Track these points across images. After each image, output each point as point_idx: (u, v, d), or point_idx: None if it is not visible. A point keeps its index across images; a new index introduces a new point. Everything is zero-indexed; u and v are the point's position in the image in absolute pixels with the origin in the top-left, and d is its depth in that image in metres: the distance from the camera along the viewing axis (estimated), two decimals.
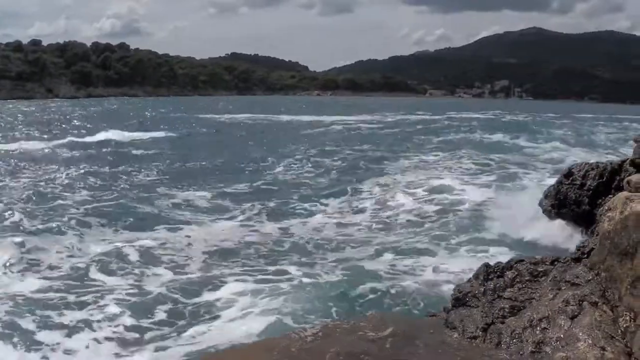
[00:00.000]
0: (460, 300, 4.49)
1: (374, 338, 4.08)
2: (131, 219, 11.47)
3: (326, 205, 13.37)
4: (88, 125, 36.61)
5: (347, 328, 4.33)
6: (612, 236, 3.56)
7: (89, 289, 7.54)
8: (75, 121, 41.67)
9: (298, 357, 3.80)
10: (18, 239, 9.42)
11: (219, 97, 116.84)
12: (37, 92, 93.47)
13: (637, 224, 3.35)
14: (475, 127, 41.75)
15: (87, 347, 5.93)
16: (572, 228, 9.67)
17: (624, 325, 3.28)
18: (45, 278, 7.94)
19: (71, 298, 7.20)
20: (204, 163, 20.47)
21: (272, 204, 13.24)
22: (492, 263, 4.83)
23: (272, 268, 8.51)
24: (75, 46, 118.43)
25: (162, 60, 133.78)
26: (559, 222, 10.01)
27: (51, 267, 8.45)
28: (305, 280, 7.81)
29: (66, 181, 15.47)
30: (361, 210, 12.85)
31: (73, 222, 11.10)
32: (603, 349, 3.20)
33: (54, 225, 10.75)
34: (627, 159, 8.48)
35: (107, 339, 6.13)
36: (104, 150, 23.51)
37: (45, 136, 28.62)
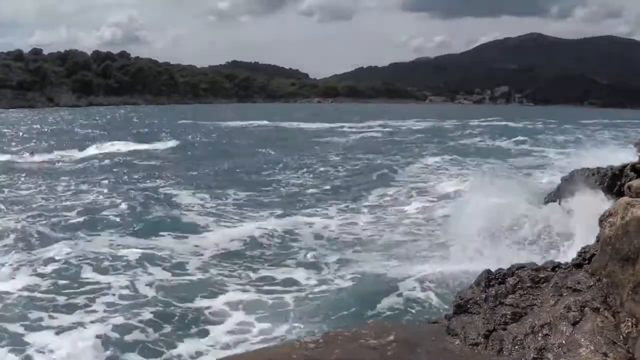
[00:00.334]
0: (461, 307, 4.49)
1: (376, 346, 4.07)
2: (132, 224, 11.53)
3: (332, 210, 13.36)
4: (92, 135, 36.65)
5: (349, 336, 4.32)
6: (614, 242, 3.55)
7: (81, 291, 7.55)
8: (77, 129, 41.77)
9: None
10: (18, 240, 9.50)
11: (219, 105, 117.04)
12: (38, 101, 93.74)
13: (638, 230, 3.34)
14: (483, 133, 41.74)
15: (74, 350, 5.89)
16: None
17: (626, 331, 3.27)
18: (37, 277, 7.98)
19: (62, 299, 7.22)
20: (213, 169, 20.51)
21: (278, 210, 13.26)
22: (493, 269, 4.83)
23: (273, 274, 8.52)
24: (76, 55, 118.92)
25: (163, 69, 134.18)
26: None
27: (44, 269, 8.48)
28: (308, 287, 7.81)
29: (67, 190, 15.49)
30: (366, 215, 12.84)
31: (68, 226, 11.18)
32: (605, 355, 3.19)
33: (50, 228, 10.83)
34: (628, 164, 8.50)
35: (97, 342, 6.09)
36: (107, 161, 23.47)
37: (48, 146, 28.62)
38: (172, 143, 31.26)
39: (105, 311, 6.96)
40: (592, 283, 3.77)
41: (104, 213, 12.50)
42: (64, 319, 6.68)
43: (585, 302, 3.63)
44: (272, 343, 5.69)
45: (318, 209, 13.60)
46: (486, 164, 22.27)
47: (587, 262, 4.02)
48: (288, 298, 7.39)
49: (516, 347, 3.74)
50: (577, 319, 3.55)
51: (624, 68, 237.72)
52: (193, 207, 13.67)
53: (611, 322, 3.40)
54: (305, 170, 21.19)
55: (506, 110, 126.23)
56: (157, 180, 17.56)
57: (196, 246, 9.96)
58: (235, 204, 14.12)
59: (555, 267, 4.37)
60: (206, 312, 7.03)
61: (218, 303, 7.32)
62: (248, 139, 36.96)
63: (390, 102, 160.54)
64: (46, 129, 42.76)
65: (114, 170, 20.29)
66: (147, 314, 6.89)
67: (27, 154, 24.54)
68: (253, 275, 8.47)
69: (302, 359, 3.89)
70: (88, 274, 8.29)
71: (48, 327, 6.47)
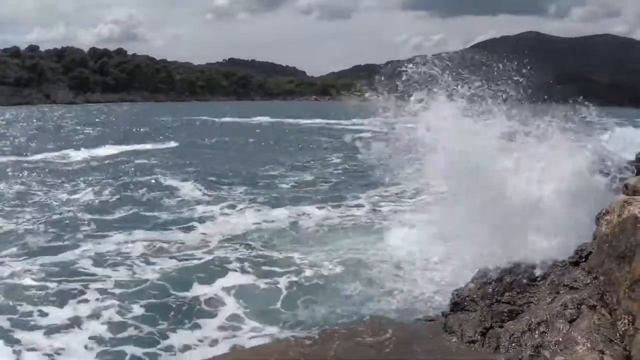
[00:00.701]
0: (458, 304, 4.49)
1: (373, 343, 4.07)
2: (134, 219, 11.54)
3: (332, 204, 13.31)
4: (90, 134, 36.55)
5: (346, 333, 4.32)
6: (610, 239, 3.56)
7: (76, 283, 7.56)
8: (76, 127, 41.64)
9: None
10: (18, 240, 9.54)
11: (216, 102, 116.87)
12: (35, 98, 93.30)
13: (634, 227, 3.35)
14: None
15: (66, 344, 5.89)
16: None
17: (623, 329, 3.28)
18: (30, 269, 8.00)
19: (53, 291, 7.22)
20: (214, 165, 20.48)
21: (279, 202, 13.27)
22: (490, 267, 4.83)
23: (272, 264, 8.56)
24: (72, 52, 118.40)
25: (160, 66, 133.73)
26: None
27: (42, 259, 8.50)
28: (302, 281, 7.80)
29: (69, 189, 15.44)
30: (364, 208, 12.78)
31: (67, 220, 11.19)
32: (602, 352, 3.20)
33: (50, 222, 10.84)
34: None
35: (93, 335, 6.10)
36: (108, 162, 23.37)
37: (46, 145, 28.50)
38: (171, 140, 31.16)
39: (100, 302, 6.97)
40: (588, 281, 3.78)
41: (103, 211, 12.49)
42: (57, 312, 6.69)
43: (582, 300, 3.64)
44: (268, 340, 5.67)
45: (319, 201, 13.55)
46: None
47: (583, 259, 4.03)
48: (281, 293, 7.40)
49: (513, 344, 3.75)
50: (574, 317, 3.56)
51: (622, 67, 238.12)
52: (192, 200, 13.72)
53: (608, 319, 3.41)
54: (305, 164, 21.22)
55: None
56: (158, 177, 17.53)
57: (197, 238, 10.01)
58: (236, 197, 14.13)
59: (552, 264, 4.38)
60: (202, 302, 7.08)
61: (214, 292, 7.36)
62: (247, 135, 36.90)
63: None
64: (44, 127, 42.62)
65: (110, 169, 20.25)
66: (144, 305, 6.91)
67: (25, 153, 24.47)
68: (252, 267, 8.50)
69: (298, 356, 3.89)
70: (84, 266, 8.32)
71: (40, 321, 6.47)
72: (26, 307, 6.76)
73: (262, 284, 7.80)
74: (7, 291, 7.20)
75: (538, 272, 4.44)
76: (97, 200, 13.63)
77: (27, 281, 7.61)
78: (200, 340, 6.10)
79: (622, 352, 3.19)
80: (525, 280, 4.38)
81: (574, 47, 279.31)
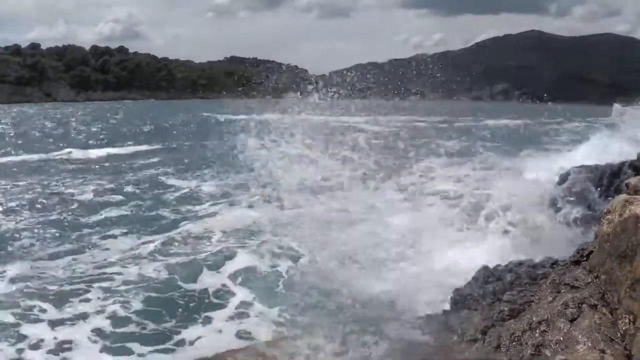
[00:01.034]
0: (459, 302, 4.50)
1: (373, 342, 4.08)
2: (136, 216, 11.61)
3: (335, 197, 13.25)
4: (90, 133, 36.52)
5: (346, 331, 4.32)
6: (612, 239, 3.56)
7: (81, 280, 7.57)
8: (78, 127, 41.61)
9: None
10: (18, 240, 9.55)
11: (218, 100, 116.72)
12: (36, 96, 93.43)
13: (636, 227, 3.35)
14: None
15: (71, 337, 5.91)
16: None
17: (624, 328, 3.28)
18: (36, 268, 8.01)
19: (57, 289, 7.24)
20: (214, 162, 20.52)
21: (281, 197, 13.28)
22: (491, 266, 4.83)
23: (275, 256, 8.60)
24: (74, 50, 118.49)
25: (161, 64, 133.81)
26: None
27: (47, 256, 8.55)
28: (303, 275, 7.79)
29: (63, 187, 15.44)
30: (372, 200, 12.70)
31: (71, 218, 11.24)
32: (602, 351, 3.20)
33: (54, 220, 10.88)
34: (626, 161, 8.49)
35: (96, 330, 6.11)
36: (107, 164, 23.34)
37: (47, 145, 28.46)
38: (171, 139, 31.21)
39: (103, 299, 6.99)
40: (589, 280, 3.77)
41: (102, 209, 12.49)
42: (62, 309, 6.70)
43: (583, 299, 3.63)
44: (266, 338, 5.67)
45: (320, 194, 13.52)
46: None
47: (585, 259, 4.02)
48: (282, 289, 7.43)
49: (514, 343, 3.75)
50: (575, 316, 3.55)
51: (624, 66, 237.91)
52: (195, 195, 13.82)
53: (609, 319, 3.41)
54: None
55: (508, 107, 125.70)
56: (159, 176, 17.57)
57: (202, 231, 10.07)
58: (238, 192, 14.17)
59: (553, 263, 4.38)
60: (210, 295, 7.13)
61: (208, 293, 7.38)
62: (248, 131, 36.81)
63: (387, 99, 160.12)
64: (46, 126, 42.60)
65: (109, 170, 20.25)
66: (154, 299, 6.93)
67: (25, 153, 24.47)
68: (255, 259, 8.53)
69: (297, 356, 3.90)
70: (89, 262, 8.34)
71: (45, 317, 6.49)
72: (30, 303, 6.79)
73: (265, 272, 7.92)
74: (12, 288, 7.22)
75: (539, 271, 4.44)
76: (99, 199, 13.66)
77: (32, 279, 7.64)
78: (212, 332, 6.15)
79: (623, 351, 3.19)
80: (526, 279, 4.38)
81: (575, 46, 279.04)
